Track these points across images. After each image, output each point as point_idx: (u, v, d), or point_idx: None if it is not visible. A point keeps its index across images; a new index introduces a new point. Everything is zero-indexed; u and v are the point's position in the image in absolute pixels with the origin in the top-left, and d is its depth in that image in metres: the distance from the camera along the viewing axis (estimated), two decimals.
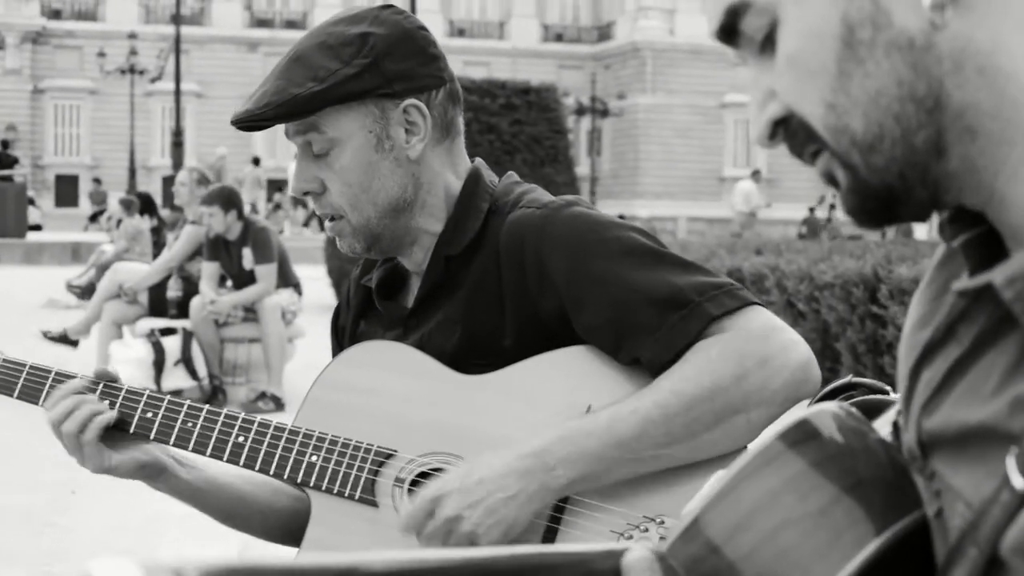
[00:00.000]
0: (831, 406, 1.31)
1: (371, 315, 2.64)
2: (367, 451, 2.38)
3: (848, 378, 1.63)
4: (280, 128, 2.46)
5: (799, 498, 1.22)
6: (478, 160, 2.57)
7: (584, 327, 2.32)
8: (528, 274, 2.35)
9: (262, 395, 11.08)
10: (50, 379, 2.52)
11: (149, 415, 2.47)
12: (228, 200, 10.94)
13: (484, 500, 2.23)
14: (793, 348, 2.23)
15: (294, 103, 2.35)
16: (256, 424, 2.43)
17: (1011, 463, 1.05)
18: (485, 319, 2.39)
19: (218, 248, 11.07)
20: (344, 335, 2.69)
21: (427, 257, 2.49)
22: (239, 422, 2.44)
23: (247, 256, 10.98)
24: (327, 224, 2.49)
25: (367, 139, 2.41)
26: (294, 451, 2.40)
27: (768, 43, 1.22)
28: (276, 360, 11.11)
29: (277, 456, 2.41)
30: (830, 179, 1.23)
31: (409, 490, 2.35)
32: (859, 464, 1.26)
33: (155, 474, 2.49)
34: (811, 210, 47.74)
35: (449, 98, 2.48)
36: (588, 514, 2.28)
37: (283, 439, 2.41)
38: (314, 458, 2.39)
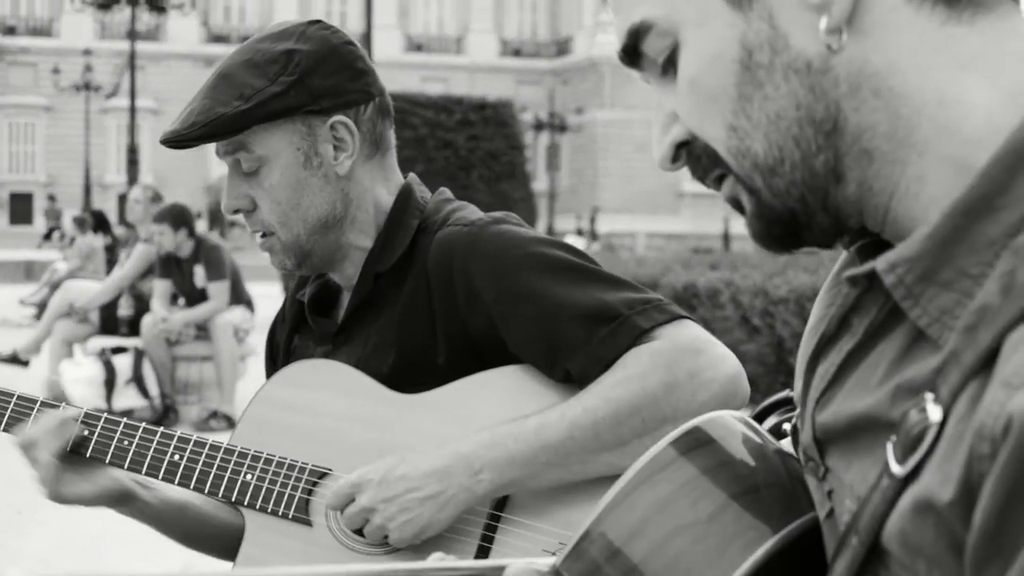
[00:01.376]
0: (724, 413, 1.32)
1: (304, 330, 2.62)
2: (302, 470, 2.34)
3: (786, 392, 1.61)
4: None
5: (690, 504, 1.22)
6: (411, 176, 2.55)
7: (514, 342, 2.30)
8: (457, 292, 2.33)
9: (214, 414, 11.01)
10: (11, 403, 2.47)
11: (86, 434, 2.42)
12: (178, 218, 10.89)
13: (400, 497, 2.21)
14: (722, 362, 2.22)
15: (220, 123, 2.32)
16: (192, 442, 2.39)
17: (890, 449, 1.06)
18: (417, 338, 2.37)
19: (170, 266, 11.03)
20: (279, 351, 2.66)
21: (358, 273, 2.47)
22: (175, 440, 2.40)
23: (199, 274, 10.94)
24: (259, 240, 2.47)
25: (295, 156, 2.38)
26: (229, 469, 2.37)
27: (670, 65, 1.22)
28: (228, 378, 11.05)
29: (212, 474, 2.37)
30: (735, 204, 1.23)
31: (343, 510, 2.30)
32: (750, 470, 1.27)
33: (120, 501, 2.46)
34: None
35: (379, 113, 2.45)
36: (521, 532, 2.25)
37: (218, 457, 2.38)
38: (249, 476, 2.36)
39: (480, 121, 27.74)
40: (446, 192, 2.56)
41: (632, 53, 1.25)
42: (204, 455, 2.38)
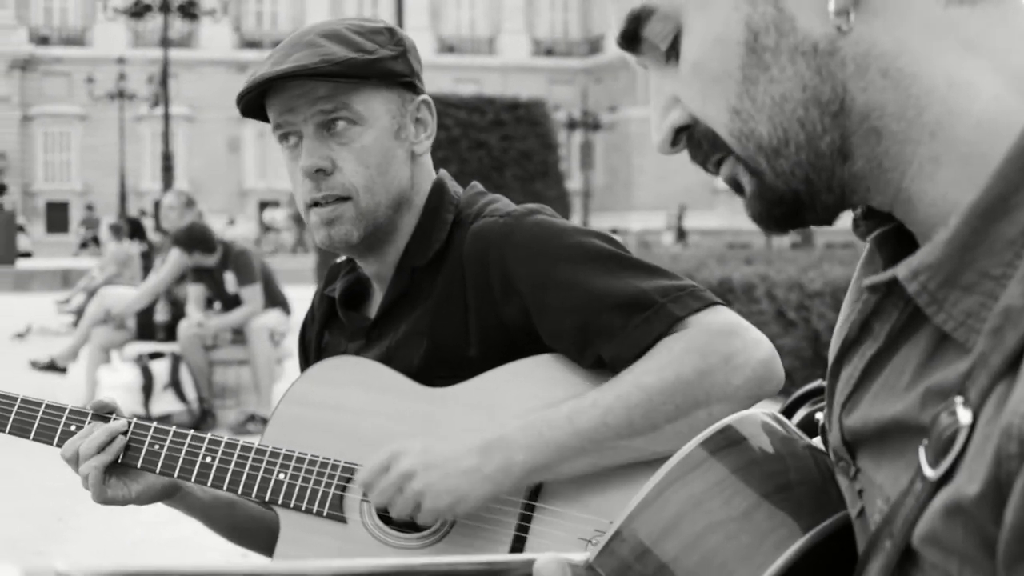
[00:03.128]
0: (755, 412, 1.32)
1: (334, 326, 2.62)
2: (334, 467, 2.35)
3: (818, 382, 1.60)
4: (273, 149, 2.43)
5: (722, 502, 1.23)
6: (442, 171, 2.56)
7: (548, 332, 2.30)
8: (492, 282, 2.34)
9: (251, 417, 11.05)
10: (40, 412, 2.48)
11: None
12: (188, 243, 10.94)
13: (441, 466, 2.22)
14: (756, 346, 2.22)
15: (349, 64, 2.33)
16: (223, 444, 2.40)
17: (923, 453, 1.05)
18: (450, 330, 2.37)
19: (201, 272, 11.06)
20: (310, 348, 2.68)
21: (392, 264, 2.48)
22: (205, 443, 2.41)
23: (229, 280, 10.97)
24: (325, 210, 2.39)
25: (390, 124, 2.41)
26: (261, 469, 2.37)
27: (672, 50, 1.22)
28: (265, 382, 11.08)
29: (245, 475, 2.37)
30: (735, 185, 1.22)
31: (374, 484, 2.31)
32: (781, 468, 1.27)
33: (172, 493, 2.49)
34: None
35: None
36: (556, 521, 2.26)
37: (250, 458, 2.38)
38: (281, 476, 2.36)
39: (513, 121, 27.76)
40: (478, 186, 2.58)
41: (632, 38, 1.25)
42: (236, 456, 2.39)
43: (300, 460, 2.36)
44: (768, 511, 1.22)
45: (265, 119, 2.46)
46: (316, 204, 2.40)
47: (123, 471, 2.45)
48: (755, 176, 1.19)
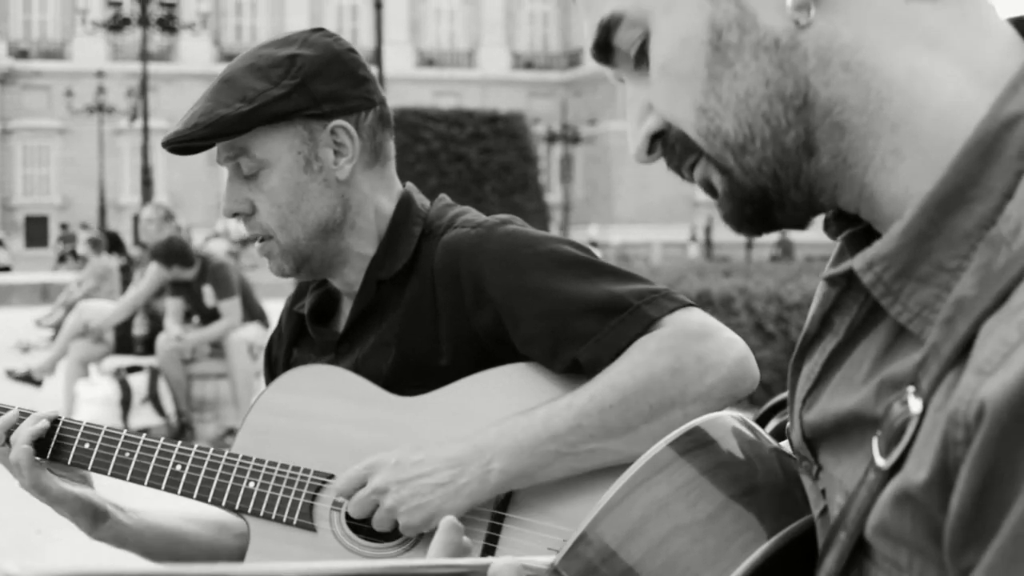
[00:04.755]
0: (724, 415, 1.33)
1: (303, 342, 2.62)
2: (304, 475, 2.35)
3: (786, 393, 1.60)
4: None
5: (688, 505, 1.23)
6: (409, 184, 2.56)
7: (521, 339, 2.30)
8: (464, 291, 2.33)
9: (230, 431, 11.02)
10: None
11: (86, 446, 2.43)
12: (166, 257, 10.92)
13: (414, 480, 2.22)
14: (730, 345, 2.22)
15: (222, 123, 2.33)
16: (193, 452, 2.40)
17: (875, 444, 1.06)
18: (419, 340, 2.37)
19: (179, 286, 11.03)
20: (278, 364, 2.67)
21: (359, 280, 2.48)
22: (176, 451, 2.40)
23: (208, 294, 10.94)
24: (257, 245, 2.47)
25: (296, 160, 2.39)
26: (231, 478, 2.37)
27: (641, 56, 1.23)
28: (244, 395, 11.05)
29: (215, 483, 2.37)
30: (707, 187, 1.24)
31: (347, 514, 2.32)
32: (748, 471, 1.27)
33: (98, 517, 2.46)
34: (783, 232, 48.02)
35: (379, 121, 2.47)
36: (525, 531, 2.25)
37: (220, 466, 2.38)
38: (251, 484, 2.36)
39: (492, 134, 27.77)
40: (446, 198, 2.58)
41: (604, 48, 1.26)
42: (206, 465, 2.38)
43: (270, 468, 2.36)
44: (734, 514, 1.22)
45: None
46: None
47: (65, 472, 2.46)
48: (724, 174, 1.20)
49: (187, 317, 11.22)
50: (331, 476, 2.34)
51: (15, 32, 75.31)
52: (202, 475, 2.38)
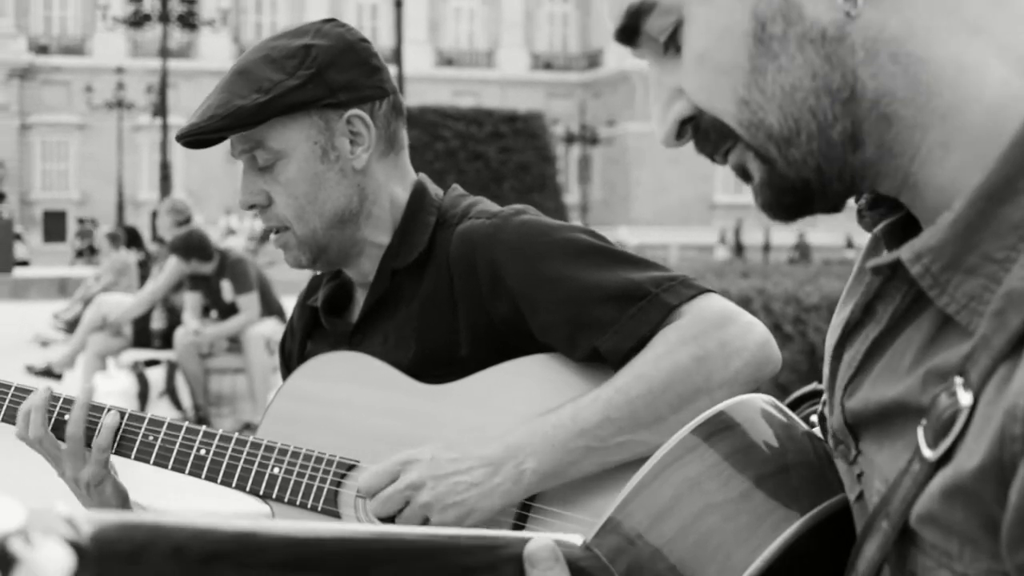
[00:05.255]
0: (752, 397, 1.33)
1: (317, 335, 2.62)
2: (329, 462, 2.34)
3: (813, 385, 1.60)
4: None
5: (720, 484, 1.23)
6: (421, 174, 2.56)
7: (540, 327, 2.30)
8: (481, 282, 2.33)
9: (247, 425, 11.03)
10: (10, 394, 2.52)
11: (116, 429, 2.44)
12: (187, 250, 10.94)
13: (450, 477, 2.21)
14: (752, 329, 2.22)
15: (238, 115, 2.33)
16: (217, 437, 2.39)
17: (921, 434, 1.06)
18: (438, 331, 2.37)
19: (198, 280, 11.05)
20: (292, 359, 2.67)
21: (374, 269, 2.48)
22: (200, 436, 2.39)
23: (226, 288, 10.96)
24: (272, 237, 2.47)
25: (312, 150, 2.40)
26: (256, 463, 2.36)
27: (671, 43, 1.22)
28: (261, 390, 11.07)
29: (239, 468, 2.37)
30: (742, 173, 1.22)
31: (378, 492, 2.29)
32: (779, 451, 1.27)
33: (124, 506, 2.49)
34: (800, 235, 48.03)
35: (393, 110, 2.47)
36: (551, 521, 2.25)
37: (244, 452, 2.37)
38: (276, 470, 2.35)
39: (511, 133, 27.77)
40: (459, 188, 2.57)
41: (630, 32, 1.25)
42: (231, 449, 2.38)
43: (295, 455, 2.35)
44: (766, 493, 1.22)
45: None
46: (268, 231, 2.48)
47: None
48: (766, 164, 1.18)
49: (205, 311, 11.24)
50: (356, 463, 2.34)
51: (35, 27, 75.50)
52: (226, 460, 2.37)
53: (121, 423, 2.44)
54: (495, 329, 2.33)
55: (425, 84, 70.21)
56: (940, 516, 1.04)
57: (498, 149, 27.52)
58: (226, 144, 2.43)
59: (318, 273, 2.66)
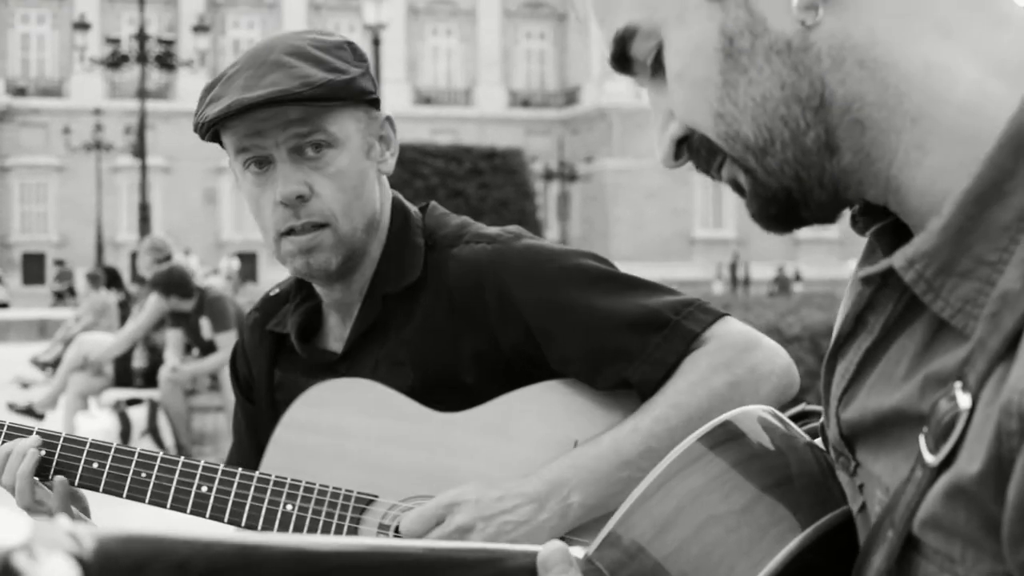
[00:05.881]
0: (755, 408, 1.33)
1: (286, 362, 2.50)
2: (347, 497, 2.24)
3: (801, 406, 1.61)
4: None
5: (723, 496, 1.22)
6: (395, 192, 2.49)
7: (559, 357, 2.26)
8: (488, 308, 2.28)
9: None
10: (3, 434, 2.37)
11: (95, 465, 2.30)
12: (167, 286, 10.93)
13: (497, 518, 2.16)
14: (777, 353, 2.24)
15: (331, 86, 2.24)
16: (220, 472, 2.25)
17: (922, 440, 1.06)
18: (439, 357, 2.30)
19: (178, 318, 11.03)
20: (258, 388, 2.53)
21: (361, 292, 2.39)
22: (200, 470, 2.26)
23: (205, 326, 10.95)
24: (302, 238, 2.28)
25: (362, 144, 2.32)
26: (266, 500, 2.24)
27: (658, 65, 1.25)
28: None
29: (247, 506, 2.24)
30: (735, 186, 1.25)
31: (395, 536, 2.21)
32: (782, 463, 1.27)
33: None
34: (795, 274, 48.19)
35: None
36: (575, 540, 2.20)
37: (252, 487, 2.25)
38: (289, 507, 2.23)
39: (490, 170, 27.78)
40: (439, 207, 2.51)
41: (621, 59, 1.28)
42: (236, 485, 2.25)
43: (308, 490, 2.24)
44: (769, 505, 1.22)
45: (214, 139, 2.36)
46: (291, 232, 2.29)
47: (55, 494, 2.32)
48: (748, 174, 1.21)
49: (187, 349, 11.22)
50: (374, 497, 2.25)
51: (13, 69, 75.38)
52: (232, 497, 2.25)
53: (107, 462, 2.30)
54: (502, 355, 2.28)
55: (404, 123, 69.58)
56: (942, 519, 1.04)
57: (477, 186, 27.52)
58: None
59: (271, 294, 2.56)
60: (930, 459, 1.05)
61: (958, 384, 1.04)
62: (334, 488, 2.25)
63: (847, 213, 1.27)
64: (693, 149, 1.26)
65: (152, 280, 11.15)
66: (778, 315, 11.93)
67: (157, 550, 0.93)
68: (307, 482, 2.25)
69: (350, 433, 2.29)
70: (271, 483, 2.25)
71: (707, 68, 1.19)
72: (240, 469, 2.27)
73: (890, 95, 1.13)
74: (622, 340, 2.22)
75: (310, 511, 2.23)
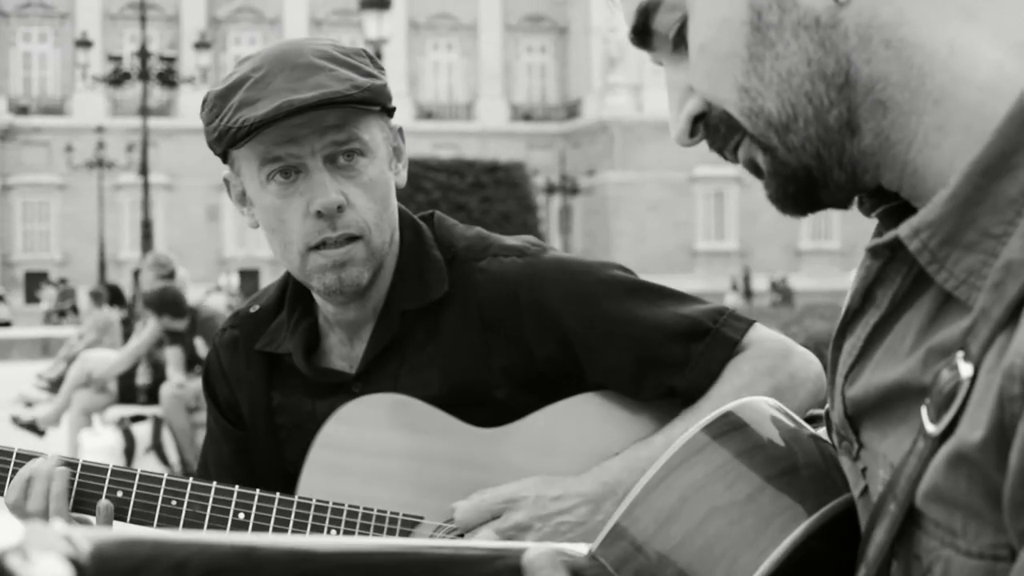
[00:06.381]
0: (757, 399, 1.32)
1: (283, 384, 2.40)
2: (393, 520, 2.17)
3: (808, 412, 1.61)
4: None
5: (726, 486, 1.22)
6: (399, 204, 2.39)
7: (601, 368, 2.25)
8: (524, 323, 2.25)
9: None
10: (12, 461, 2.24)
11: (119, 494, 2.19)
12: (160, 306, 10.94)
13: (555, 517, 2.16)
14: (810, 359, 2.28)
15: (375, 90, 2.20)
16: (257, 498, 2.16)
17: (924, 412, 1.06)
18: (467, 372, 2.25)
19: (176, 336, 11.04)
20: (251, 412, 2.42)
21: (375, 310, 2.32)
22: (235, 496, 2.16)
23: (199, 345, 10.95)
24: (336, 252, 2.19)
25: (386, 154, 2.27)
26: (308, 526, 2.15)
27: (680, 39, 1.24)
28: None
29: (289, 533, 2.13)
30: (752, 167, 1.24)
31: (477, 526, 2.18)
32: (785, 452, 1.26)
33: None
34: (783, 279, 48.20)
35: None
36: None
37: (292, 513, 2.15)
38: (333, 532, 2.15)
39: (492, 183, 27.83)
40: (446, 218, 2.45)
41: (642, 33, 1.27)
42: (275, 512, 2.16)
43: (352, 514, 2.17)
44: (772, 495, 1.21)
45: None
46: (322, 245, 2.20)
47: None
48: (768, 153, 1.20)
49: (189, 366, 11.21)
50: (420, 519, 2.20)
51: (15, 88, 75.49)
52: (272, 524, 2.15)
53: (132, 490, 2.19)
54: (535, 368, 2.26)
55: (406, 137, 69.94)
56: (944, 490, 1.03)
57: (480, 199, 27.56)
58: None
59: (251, 311, 2.46)
60: (931, 429, 1.04)
61: (960, 354, 1.03)
62: (379, 512, 2.19)
63: (845, 219, 1.26)
64: (711, 127, 1.25)
65: (145, 300, 11.17)
66: (782, 325, 11.93)
67: (155, 552, 0.92)
68: (350, 506, 2.18)
69: (391, 451, 2.23)
70: (312, 508, 2.17)
71: (733, 41, 1.18)
72: (278, 495, 2.18)
73: (913, 76, 1.12)
74: (666, 351, 2.23)
75: (355, 535, 2.15)
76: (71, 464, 2.23)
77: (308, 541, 1.03)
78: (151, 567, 0.91)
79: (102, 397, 11.73)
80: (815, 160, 1.18)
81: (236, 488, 2.17)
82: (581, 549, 1.19)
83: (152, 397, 11.40)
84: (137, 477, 2.20)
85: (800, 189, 1.21)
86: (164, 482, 2.19)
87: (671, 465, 1.24)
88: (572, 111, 79.38)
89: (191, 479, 2.20)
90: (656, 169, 70.91)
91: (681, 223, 71.44)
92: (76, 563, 0.83)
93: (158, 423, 11.22)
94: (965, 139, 1.11)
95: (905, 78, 1.13)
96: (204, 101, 2.29)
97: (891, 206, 1.24)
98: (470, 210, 27.04)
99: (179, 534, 0.94)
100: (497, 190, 27.82)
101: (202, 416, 11.20)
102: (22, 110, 74.56)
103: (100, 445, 10.90)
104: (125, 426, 11.31)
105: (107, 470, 2.21)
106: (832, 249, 70.30)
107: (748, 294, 57.55)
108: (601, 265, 2.34)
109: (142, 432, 11.28)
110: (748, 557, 1.16)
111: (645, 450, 2.18)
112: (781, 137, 1.18)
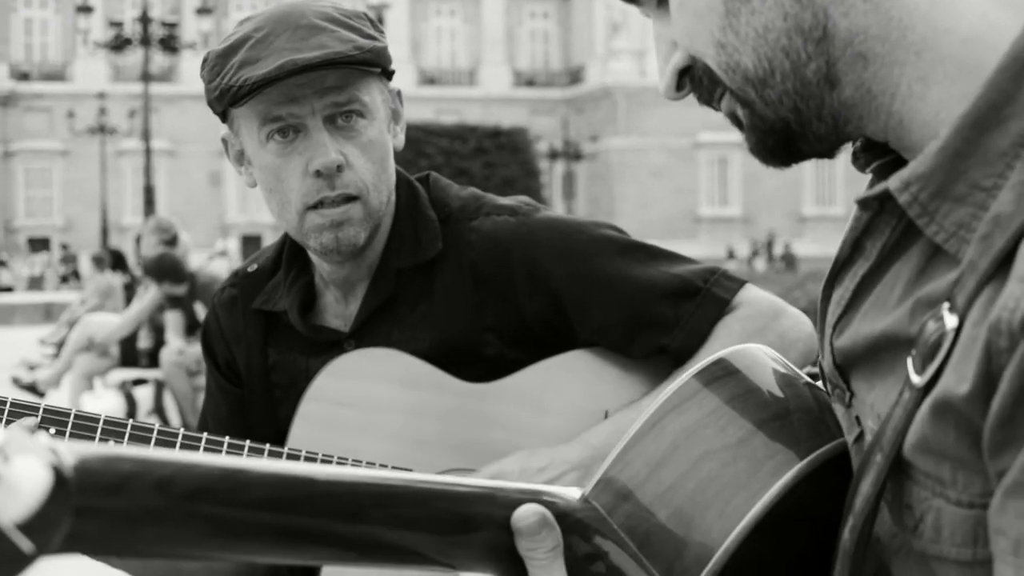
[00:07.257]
0: (750, 346, 1.32)
1: (279, 342, 2.41)
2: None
3: (805, 369, 1.61)
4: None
5: (718, 430, 1.21)
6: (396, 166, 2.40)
7: (592, 327, 2.27)
8: (515, 281, 2.27)
9: None
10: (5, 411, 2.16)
11: (111, 444, 2.03)
12: (159, 272, 10.94)
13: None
14: (801, 319, 2.30)
15: (375, 51, 2.20)
16: (247, 448, 2.14)
17: (910, 363, 1.06)
18: (459, 330, 2.27)
19: (176, 301, 11.04)
20: (248, 370, 2.42)
21: (370, 268, 2.33)
22: (225, 447, 2.14)
23: (199, 310, 10.95)
24: (334, 211, 2.20)
25: (386, 115, 2.28)
26: None
27: None
28: None
29: None
30: (734, 119, 1.24)
31: None
32: (778, 398, 1.26)
33: None
34: (786, 246, 48.26)
35: None
36: None
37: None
38: None
39: (495, 148, 27.85)
40: (441, 178, 2.47)
41: None
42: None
43: (341, 464, 2.17)
44: (765, 438, 1.20)
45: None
46: (320, 205, 2.21)
47: None
48: (746, 107, 1.20)
49: (189, 330, 11.21)
50: (409, 471, 2.20)
51: (16, 54, 75.49)
52: None
53: (124, 441, 2.15)
54: (527, 327, 2.27)
55: (408, 103, 69.02)
56: (932, 440, 1.03)
57: (482, 164, 27.61)
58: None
59: (249, 271, 2.48)
60: (916, 380, 1.04)
61: (946, 305, 1.03)
62: (367, 463, 2.21)
63: (850, 185, 1.24)
64: (695, 80, 1.24)
65: (144, 266, 11.16)
66: (784, 290, 11.95)
67: (139, 468, 0.90)
68: (339, 457, 2.20)
69: (380, 404, 2.25)
70: (301, 459, 2.18)
71: None
72: (268, 445, 2.18)
73: (893, 28, 1.12)
74: (659, 309, 2.24)
75: None
76: (62, 415, 2.19)
77: (295, 467, 1.01)
78: (135, 483, 0.89)
79: (104, 361, 11.75)
80: (793, 113, 1.18)
81: (227, 439, 2.16)
82: (574, 493, 1.17)
83: (154, 361, 11.41)
84: (128, 427, 2.18)
85: (779, 142, 1.21)
86: (155, 432, 2.18)
87: (663, 411, 1.23)
88: (575, 77, 79.35)
89: (182, 429, 2.19)
90: (659, 135, 70.94)
91: (684, 189, 71.50)
92: (59, 473, 0.82)
93: (160, 386, 11.22)
94: (951, 90, 1.10)
95: (885, 31, 1.12)
96: (205, 60, 2.30)
97: (885, 161, 1.24)
98: (473, 175, 27.09)
99: (164, 452, 0.92)
100: (500, 155, 27.84)
101: (203, 380, 11.18)
102: (23, 76, 74.57)
103: (102, 408, 10.90)
104: (127, 389, 11.31)
105: (99, 419, 2.19)
106: (836, 215, 70.40)
107: (771, 259, 57.66)
108: (594, 224, 2.34)
109: (144, 395, 11.28)
110: (740, 499, 1.16)
111: (634, 413, 2.17)
112: (759, 91, 1.18)
